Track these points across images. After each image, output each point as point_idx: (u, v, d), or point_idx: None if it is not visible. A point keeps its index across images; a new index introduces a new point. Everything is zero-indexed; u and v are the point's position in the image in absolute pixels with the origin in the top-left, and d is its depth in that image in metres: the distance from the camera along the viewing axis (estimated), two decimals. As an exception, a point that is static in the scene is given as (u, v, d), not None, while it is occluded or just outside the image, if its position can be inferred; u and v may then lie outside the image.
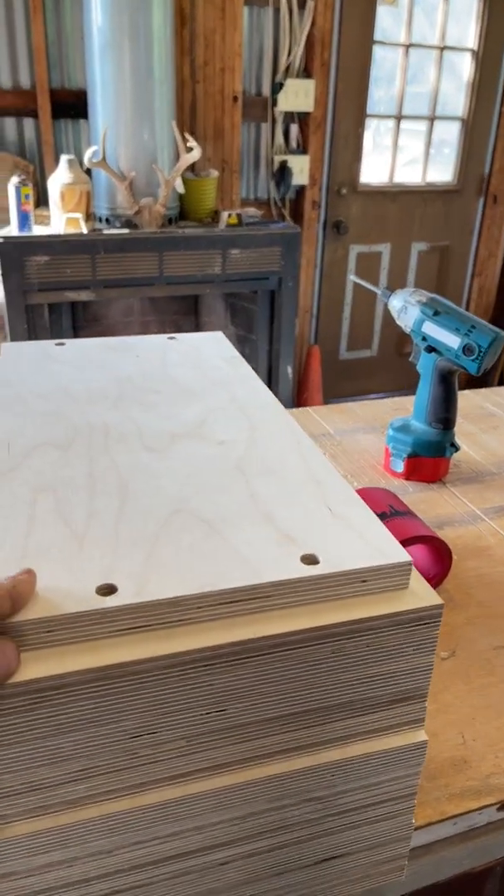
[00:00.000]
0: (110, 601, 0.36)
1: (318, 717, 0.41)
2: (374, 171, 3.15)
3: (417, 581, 0.41)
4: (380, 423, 1.16)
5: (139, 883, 0.41)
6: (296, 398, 3.14)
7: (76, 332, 2.76)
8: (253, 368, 2.37)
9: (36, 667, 0.35)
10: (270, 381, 2.74)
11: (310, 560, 0.40)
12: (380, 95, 3.03)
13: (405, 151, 3.19)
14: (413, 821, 0.47)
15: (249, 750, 0.40)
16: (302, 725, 0.41)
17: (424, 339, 0.93)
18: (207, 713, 0.38)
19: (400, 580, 0.40)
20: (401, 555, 0.40)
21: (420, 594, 0.40)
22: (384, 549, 0.41)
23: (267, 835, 0.43)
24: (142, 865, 0.41)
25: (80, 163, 2.39)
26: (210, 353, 0.70)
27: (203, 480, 0.47)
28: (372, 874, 0.48)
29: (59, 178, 2.32)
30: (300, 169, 2.90)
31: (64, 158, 2.31)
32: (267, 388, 0.63)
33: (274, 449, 0.52)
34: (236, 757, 0.40)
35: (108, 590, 0.37)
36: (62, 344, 0.70)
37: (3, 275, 2.22)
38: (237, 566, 0.39)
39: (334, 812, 0.44)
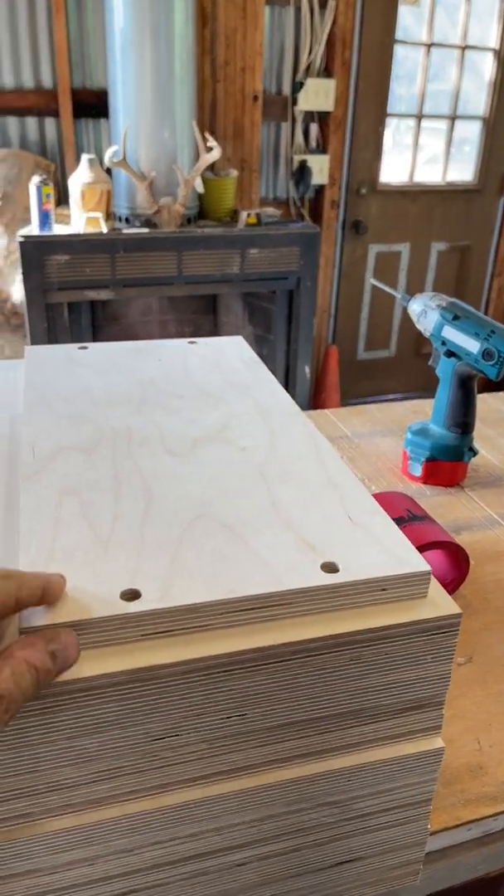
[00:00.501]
0: (134, 606, 0.37)
1: (336, 722, 0.41)
2: (393, 170, 3.14)
3: (436, 590, 0.42)
4: (398, 426, 1.16)
5: (158, 882, 0.42)
6: (313, 398, 3.14)
7: (95, 331, 2.78)
8: (270, 368, 2.36)
9: (62, 669, 0.35)
10: (288, 381, 2.75)
11: (330, 568, 0.40)
12: (401, 93, 3.02)
13: (425, 150, 3.18)
14: (428, 826, 0.48)
15: (268, 754, 0.41)
16: (319, 731, 0.41)
17: (444, 343, 0.93)
18: (228, 717, 0.39)
19: (419, 589, 0.41)
20: (420, 564, 0.41)
21: (439, 603, 0.41)
22: (403, 557, 0.41)
23: (284, 837, 0.44)
24: (161, 865, 0.42)
25: (101, 162, 2.40)
26: (230, 357, 0.70)
27: (225, 485, 0.48)
28: (387, 878, 0.48)
29: (80, 178, 2.34)
30: (320, 168, 2.89)
31: (85, 158, 2.33)
32: (286, 393, 0.63)
33: (294, 455, 0.53)
34: (255, 760, 0.41)
35: (132, 594, 0.38)
36: (85, 347, 0.71)
37: (23, 274, 2.24)
38: (259, 572, 0.40)
39: (350, 816, 0.44)
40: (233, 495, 0.47)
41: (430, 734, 0.44)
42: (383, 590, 0.40)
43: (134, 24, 2.27)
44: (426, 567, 0.41)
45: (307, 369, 2.72)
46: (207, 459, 0.51)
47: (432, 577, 0.41)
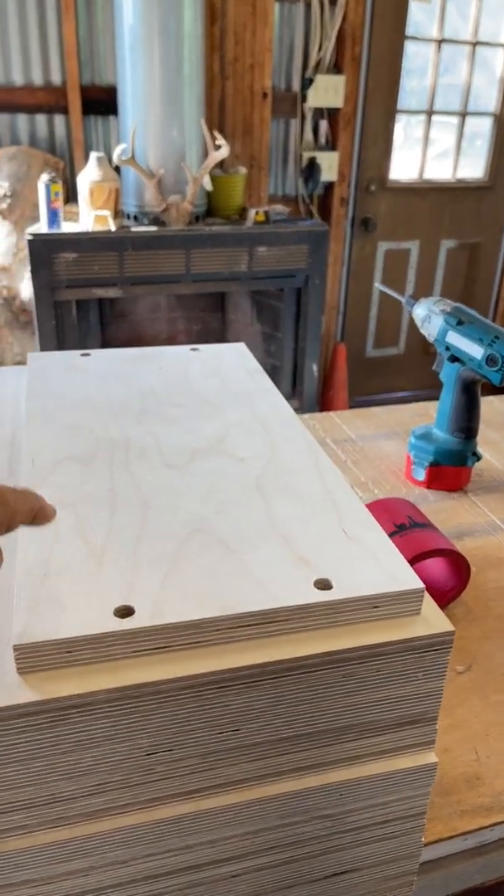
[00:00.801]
0: (127, 623, 0.37)
1: (329, 737, 0.42)
2: (403, 166, 3.12)
3: (429, 607, 0.42)
4: (403, 429, 1.16)
5: (152, 893, 0.43)
6: (321, 396, 3.13)
7: (103, 329, 2.78)
8: (278, 366, 2.37)
9: (57, 686, 0.36)
10: (295, 378, 2.74)
11: (323, 585, 0.40)
12: (412, 86, 3.00)
13: (436, 144, 3.16)
14: (422, 839, 0.48)
15: (261, 768, 0.41)
16: (313, 746, 0.42)
17: (448, 348, 0.93)
18: (221, 733, 0.39)
19: (412, 606, 0.41)
20: (413, 581, 0.41)
21: (431, 620, 0.41)
22: (397, 574, 0.41)
23: (277, 850, 0.44)
24: (155, 876, 0.42)
25: (110, 160, 2.40)
26: (232, 364, 0.70)
27: (222, 499, 0.48)
28: (380, 890, 0.49)
29: (89, 176, 2.34)
30: (329, 165, 2.88)
31: (93, 156, 2.33)
32: (286, 403, 0.63)
33: (293, 467, 0.53)
34: (249, 775, 0.41)
35: (125, 611, 0.38)
36: (87, 354, 0.71)
37: (32, 271, 2.25)
38: (253, 590, 0.40)
39: (344, 829, 0.45)
40: (229, 509, 0.47)
41: (423, 749, 0.44)
42: (376, 607, 0.40)
43: (143, 21, 2.26)
44: (419, 585, 0.41)
45: (315, 367, 2.71)
46: (205, 471, 0.52)
47: (426, 593, 0.42)
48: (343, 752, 0.43)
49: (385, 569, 0.42)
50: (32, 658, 0.36)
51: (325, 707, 0.40)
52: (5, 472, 0.54)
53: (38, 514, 0.37)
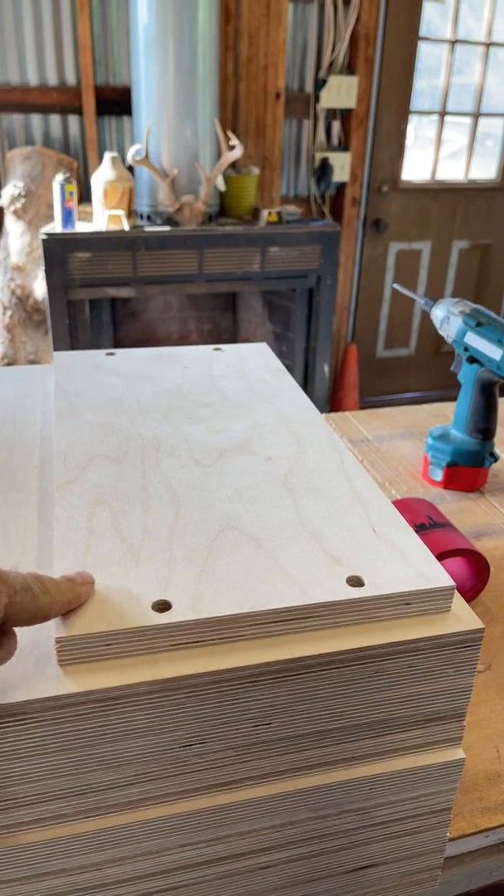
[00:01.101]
0: (166, 617, 0.38)
1: (359, 732, 0.42)
2: (415, 167, 3.12)
3: (459, 604, 0.43)
4: (419, 429, 1.16)
5: (186, 882, 0.44)
6: (331, 396, 3.14)
7: (115, 328, 2.80)
8: (289, 366, 2.38)
9: (97, 678, 0.37)
10: (306, 379, 2.75)
11: (355, 582, 0.41)
12: (423, 86, 3.00)
13: (447, 144, 3.16)
14: (447, 834, 0.49)
15: (293, 762, 0.42)
16: (343, 740, 0.42)
17: (466, 349, 0.94)
18: (255, 726, 0.40)
19: (442, 603, 0.42)
20: (444, 579, 0.42)
21: (462, 617, 0.42)
22: (428, 572, 0.42)
23: (307, 842, 0.45)
24: (189, 866, 0.43)
25: (123, 160, 2.41)
26: (255, 365, 0.71)
27: (252, 497, 0.49)
28: (406, 883, 0.49)
29: (102, 176, 2.35)
30: (341, 166, 2.89)
31: (107, 156, 2.34)
32: (310, 402, 0.64)
33: (319, 466, 0.53)
34: (280, 768, 0.42)
35: (163, 605, 0.39)
36: (112, 353, 0.72)
37: (46, 270, 2.26)
38: (286, 586, 0.41)
39: (372, 823, 0.46)
40: (259, 507, 0.48)
41: (450, 745, 0.45)
42: (407, 604, 0.41)
43: (157, 22, 2.27)
44: (450, 582, 0.41)
45: (326, 367, 2.72)
46: (233, 470, 0.52)
47: (455, 591, 0.42)
48: (372, 747, 0.43)
49: (415, 566, 0.43)
50: (73, 650, 0.37)
51: (355, 702, 0.41)
52: (36, 469, 0.55)
53: (74, 602, 0.38)
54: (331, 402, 3.11)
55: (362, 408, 3.27)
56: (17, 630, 0.36)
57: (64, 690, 0.36)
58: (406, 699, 0.42)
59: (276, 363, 0.72)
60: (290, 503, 0.49)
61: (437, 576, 0.42)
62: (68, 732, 0.37)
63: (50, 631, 0.39)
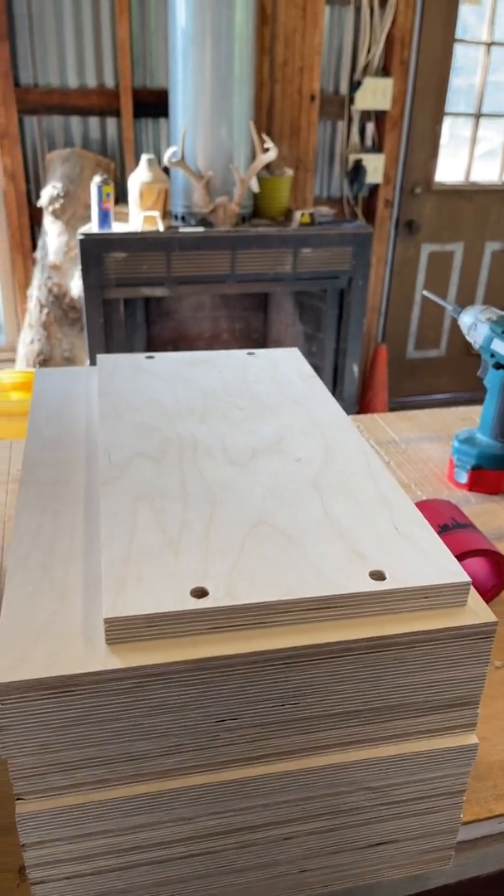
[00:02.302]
0: (203, 603, 0.42)
1: (378, 715, 0.46)
2: (449, 168, 3.13)
3: (474, 599, 0.46)
4: (446, 432, 1.19)
5: (213, 849, 0.47)
6: (361, 397, 3.16)
7: (149, 327, 2.85)
8: (319, 366, 2.40)
9: (140, 656, 0.41)
10: (336, 379, 2.77)
11: (378, 576, 0.44)
12: (459, 84, 3.00)
13: (482, 143, 3.16)
14: (461, 815, 0.52)
15: (316, 740, 0.46)
16: (363, 721, 0.46)
17: (493, 355, 0.96)
18: (282, 705, 0.44)
19: (459, 598, 0.45)
20: (461, 575, 0.45)
21: (477, 611, 0.45)
22: (446, 568, 0.45)
23: (326, 816, 0.48)
24: (215, 834, 0.47)
25: (159, 161, 2.46)
26: (287, 369, 0.75)
27: (282, 495, 0.53)
28: (419, 861, 0.53)
29: (139, 177, 2.40)
30: (374, 168, 2.90)
31: (144, 158, 2.39)
32: (339, 407, 0.67)
33: (347, 467, 0.57)
34: (303, 745, 0.46)
35: (201, 592, 0.43)
36: (151, 357, 0.76)
37: (83, 270, 2.32)
38: (313, 578, 0.44)
39: (387, 802, 0.49)
40: (290, 505, 0.51)
41: (465, 731, 0.48)
42: (426, 597, 0.44)
43: (195, 24, 2.31)
44: (466, 578, 0.45)
45: (355, 368, 2.74)
46: (266, 470, 0.56)
47: (472, 587, 0.45)
48: (391, 729, 0.47)
49: (434, 563, 0.46)
50: (119, 630, 0.41)
51: (375, 687, 0.45)
52: (82, 465, 0.59)
53: None
54: (360, 403, 3.13)
55: (391, 408, 3.28)
56: (67, 613, 0.40)
57: (110, 666, 0.40)
58: (423, 686, 0.45)
59: (307, 368, 0.75)
60: (319, 502, 0.52)
61: (455, 572, 0.45)
62: (113, 704, 0.41)
63: (100, 612, 0.43)
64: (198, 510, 0.50)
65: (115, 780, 0.44)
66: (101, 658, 0.40)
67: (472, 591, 0.46)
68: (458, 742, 0.48)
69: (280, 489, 0.53)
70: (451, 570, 0.45)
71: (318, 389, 0.70)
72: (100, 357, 0.75)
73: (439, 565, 0.46)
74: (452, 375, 3.47)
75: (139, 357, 0.76)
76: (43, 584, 0.46)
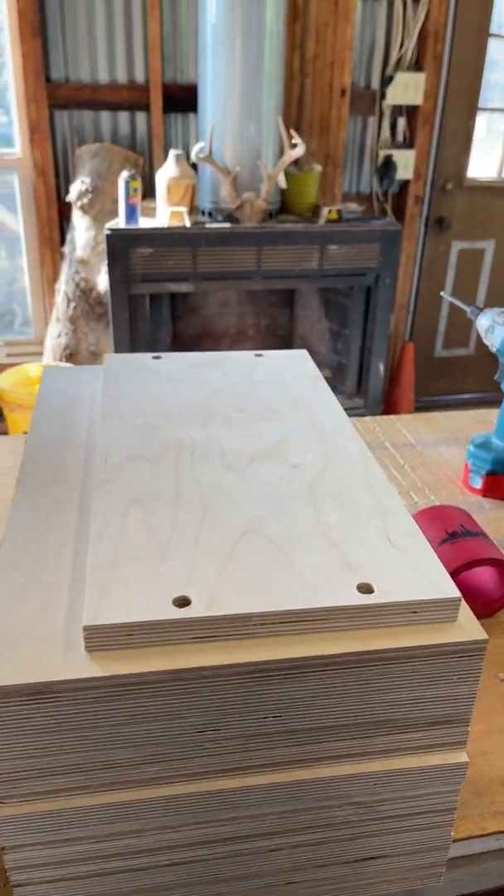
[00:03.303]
0: (184, 612, 0.41)
1: (364, 730, 0.45)
2: (482, 164, 3.08)
3: (465, 615, 0.44)
4: (464, 435, 1.17)
5: (197, 858, 0.47)
6: (387, 395, 3.13)
7: (174, 322, 2.85)
8: (344, 364, 2.39)
9: (118, 665, 0.40)
10: (361, 377, 2.75)
11: (366, 589, 0.43)
12: (496, 78, 2.95)
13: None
14: (451, 832, 0.51)
15: (300, 753, 0.45)
16: (349, 736, 0.45)
17: (510, 359, 0.94)
18: (265, 717, 0.43)
19: (448, 613, 0.44)
20: (451, 590, 0.44)
21: (467, 628, 0.44)
22: (436, 583, 0.44)
23: (312, 830, 0.48)
24: (200, 843, 0.46)
25: (188, 157, 2.46)
26: (294, 372, 0.74)
27: (276, 502, 0.52)
28: (409, 877, 0.52)
29: (166, 173, 2.40)
30: (405, 163, 2.87)
31: (172, 153, 2.39)
32: (344, 412, 0.66)
33: (345, 475, 0.56)
34: (287, 758, 0.45)
35: (183, 601, 0.42)
36: (158, 357, 0.75)
37: (109, 265, 2.33)
38: (299, 589, 0.43)
39: (375, 817, 0.48)
40: (282, 513, 0.51)
41: (454, 748, 0.47)
42: (414, 612, 0.43)
43: (226, 20, 2.31)
44: (457, 594, 0.43)
45: (381, 366, 2.71)
46: (262, 475, 0.55)
47: (463, 602, 0.44)
48: (378, 744, 0.46)
49: (425, 577, 0.45)
50: (99, 638, 0.41)
51: (361, 702, 0.44)
52: (81, 466, 0.59)
53: None
54: (386, 401, 3.10)
55: (417, 408, 3.25)
56: (50, 616, 0.40)
57: (88, 674, 0.40)
58: (410, 702, 0.44)
59: (315, 370, 0.74)
60: (312, 510, 0.51)
61: (445, 587, 0.44)
62: (92, 712, 0.41)
63: (80, 619, 0.42)
64: (189, 515, 0.50)
65: (96, 787, 0.44)
66: (80, 665, 0.40)
67: (464, 606, 0.44)
68: (447, 760, 0.47)
69: (275, 495, 0.53)
70: (441, 585, 0.44)
71: (324, 393, 0.70)
72: (107, 357, 0.75)
73: (430, 579, 0.44)
74: (481, 375, 3.42)
75: (146, 357, 0.75)
76: (29, 586, 0.46)
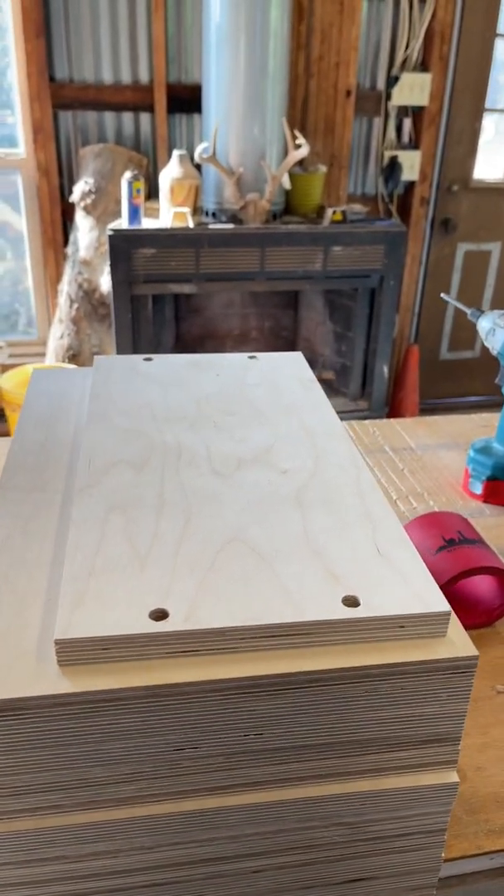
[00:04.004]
0: (161, 626, 0.40)
1: (350, 749, 0.43)
2: (488, 166, 3.05)
3: (455, 629, 0.43)
4: (464, 439, 1.15)
5: (176, 879, 0.45)
6: (391, 398, 3.11)
7: (178, 323, 2.84)
8: (348, 366, 2.37)
9: (92, 680, 0.39)
10: (365, 380, 2.73)
11: (351, 602, 0.42)
12: (502, 80, 2.92)
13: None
14: (442, 854, 0.49)
15: (283, 772, 0.43)
16: (334, 755, 0.43)
17: (512, 362, 0.92)
18: (246, 735, 0.41)
19: (437, 628, 0.42)
20: (441, 604, 0.42)
21: (457, 643, 0.42)
22: (425, 596, 0.42)
23: (297, 850, 0.46)
24: (179, 864, 0.45)
25: (192, 157, 2.45)
26: (287, 374, 0.72)
27: (262, 509, 0.50)
28: (399, 899, 0.50)
29: (170, 173, 2.39)
30: (411, 165, 2.85)
31: (175, 153, 2.37)
32: (336, 416, 0.64)
33: (334, 481, 0.54)
34: (270, 777, 0.43)
35: (160, 614, 0.41)
36: (150, 359, 0.74)
37: (111, 266, 2.32)
38: (282, 602, 0.42)
39: (362, 838, 0.46)
40: (267, 520, 0.49)
41: (444, 767, 0.45)
42: (402, 627, 0.41)
43: (230, 20, 2.29)
44: (446, 607, 0.42)
45: (385, 368, 2.69)
46: (249, 481, 0.53)
47: (453, 616, 0.42)
48: (364, 763, 0.44)
49: (414, 589, 0.43)
50: (72, 652, 0.39)
51: (346, 719, 0.42)
52: (64, 471, 0.58)
53: None
54: (390, 404, 3.08)
55: (422, 410, 3.22)
56: (23, 627, 0.39)
57: (59, 690, 0.38)
58: (397, 720, 0.43)
59: (308, 374, 0.72)
60: (299, 518, 0.49)
61: (434, 600, 0.42)
62: (64, 729, 0.39)
63: (53, 632, 0.41)
64: (172, 522, 0.48)
65: (70, 806, 0.42)
66: (51, 680, 0.38)
67: (454, 620, 0.43)
68: (437, 780, 0.45)
69: (261, 502, 0.51)
70: (430, 598, 0.42)
71: (317, 396, 0.68)
72: (97, 358, 0.73)
73: (418, 592, 0.43)
74: (487, 378, 3.39)
75: (136, 359, 0.74)
76: (2, 595, 0.44)
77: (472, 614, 0.75)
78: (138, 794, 0.42)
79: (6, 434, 2.69)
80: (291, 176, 2.48)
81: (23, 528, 0.50)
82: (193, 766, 0.42)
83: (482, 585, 0.77)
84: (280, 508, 0.50)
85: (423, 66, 2.75)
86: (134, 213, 2.33)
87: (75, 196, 2.60)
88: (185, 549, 0.46)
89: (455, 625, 0.43)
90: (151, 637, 0.39)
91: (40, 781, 0.41)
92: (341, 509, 0.50)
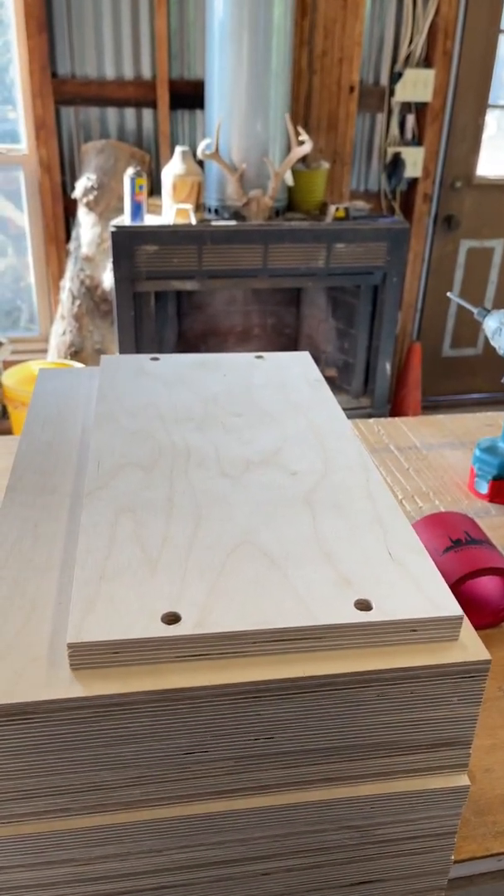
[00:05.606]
0: (173, 630, 0.40)
1: (360, 752, 0.43)
2: (492, 162, 3.04)
3: (467, 633, 0.43)
4: (469, 438, 1.14)
5: (184, 882, 0.45)
6: (394, 395, 3.10)
7: (180, 320, 2.84)
8: (351, 363, 2.36)
9: (103, 684, 0.38)
10: (368, 377, 2.73)
11: (363, 606, 0.42)
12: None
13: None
14: (452, 857, 0.49)
15: (292, 776, 0.43)
16: (344, 759, 0.43)
17: (518, 362, 0.92)
18: (255, 739, 0.41)
19: (450, 632, 0.42)
20: (453, 608, 0.42)
21: (469, 647, 0.42)
22: (437, 600, 0.42)
23: (306, 854, 0.46)
24: (188, 867, 0.45)
25: (195, 154, 2.44)
26: (294, 374, 0.72)
27: (271, 512, 0.50)
28: (408, 902, 0.50)
29: (172, 169, 2.38)
30: (414, 161, 2.84)
31: (178, 150, 2.37)
32: (345, 416, 0.64)
33: (344, 483, 0.54)
34: (279, 781, 0.43)
35: (172, 618, 0.40)
36: (156, 359, 0.74)
37: (114, 262, 2.32)
38: (293, 605, 0.41)
39: (372, 841, 0.46)
40: (278, 523, 0.49)
41: (455, 771, 0.45)
42: (413, 631, 0.41)
43: (233, 15, 2.28)
44: (458, 612, 0.41)
45: (388, 366, 2.69)
46: (258, 483, 0.53)
47: (465, 620, 0.42)
48: (374, 767, 0.44)
49: (426, 593, 0.43)
50: (83, 657, 0.39)
51: (357, 723, 0.42)
52: (72, 472, 0.58)
53: None
54: (393, 401, 3.08)
55: (425, 407, 3.22)
56: (34, 631, 0.39)
57: (70, 694, 0.38)
58: (409, 724, 0.42)
59: (316, 373, 0.72)
60: (310, 520, 0.49)
61: (447, 604, 0.42)
62: (74, 733, 0.39)
63: (65, 636, 0.41)
64: (181, 526, 0.48)
65: (79, 810, 0.42)
66: (63, 685, 0.38)
67: (466, 624, 0.42)
68: (447, 783, 0.45)
69: (270, 505, 0.51)
70: (442, 602, 0.42)
71: (325, 396, 0.68)
72: (104, 358, 0.73)
73: (430, 596, 0.43)
74: (489, 375, 3.39)
75: (143, 358, 0.73)
76: (13, 599, 0.44)
77: (479, 615, 0.75)
78: (147, 798, 0.42)
79: (9, 431, 2.68)
80: (294, 172, 2.47)
81: (32, 531, 0.50)
82: (202, 770, 0.42)
83: (489, 586, 0.77)
84: (290, 511, 0.50)
85: (427, 61, 2.75)
86: (136, 210, 2.33)
87: (77, 192, 2.60)
88: (196, 553, 0.46)
89: (467, 629, 0.43)
90: (163, 641, 0.39)
91: (49, 785, 0.41)
92: (351, 512, 0.50)
